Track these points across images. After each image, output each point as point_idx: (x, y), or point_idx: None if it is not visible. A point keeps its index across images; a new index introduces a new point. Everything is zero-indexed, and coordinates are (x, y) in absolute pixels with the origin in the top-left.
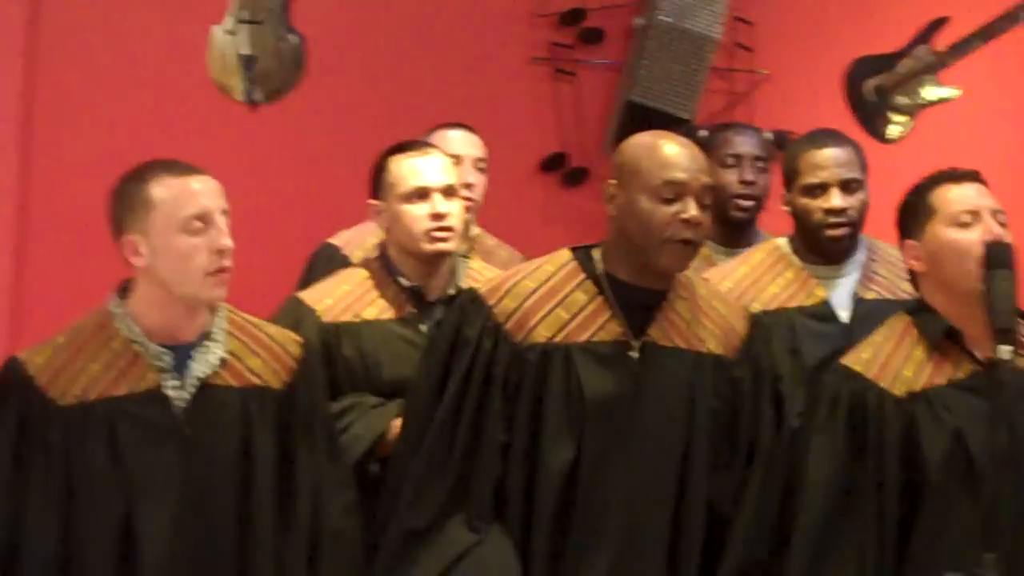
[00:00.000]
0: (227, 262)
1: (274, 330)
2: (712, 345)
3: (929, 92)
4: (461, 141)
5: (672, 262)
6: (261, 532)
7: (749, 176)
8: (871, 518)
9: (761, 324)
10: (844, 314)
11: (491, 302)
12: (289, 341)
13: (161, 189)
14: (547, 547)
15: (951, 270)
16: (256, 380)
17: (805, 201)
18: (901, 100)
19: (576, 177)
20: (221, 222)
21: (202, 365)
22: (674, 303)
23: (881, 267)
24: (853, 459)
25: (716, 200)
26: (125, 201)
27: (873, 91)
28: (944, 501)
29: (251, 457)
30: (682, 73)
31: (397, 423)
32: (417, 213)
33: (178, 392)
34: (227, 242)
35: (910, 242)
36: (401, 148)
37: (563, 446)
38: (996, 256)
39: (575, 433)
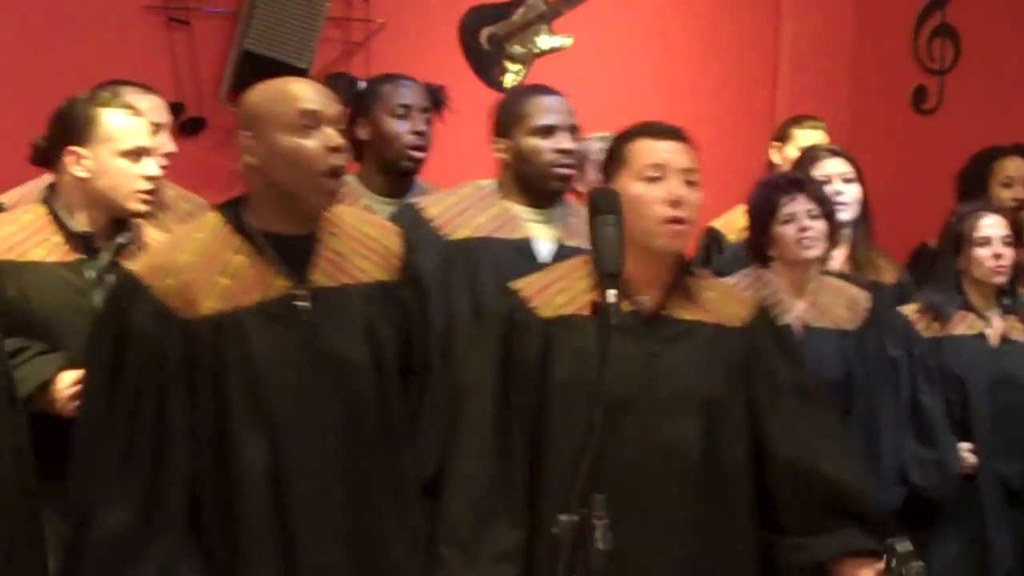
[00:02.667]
0: None
1: None
2: (376, 273)
3: (542, 41)
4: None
5: (325, 196)
6: None
7: (421, 127)
8: (517, 430)
9: (411, 240)
10: (548, 258)
11: (151, 283)
12: None
13: None
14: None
15: (631, 222)
16: None
17: (535, 142)
18: (515, 49)
19: (193, 127)
20: None
21: None
22: (328, 242)
23: (578, 220)
24: (503, 372)
25: (384, 151)
26: None
27: (488, 40)
28: (567, 432)
29: None
30: (298, 22)
31: (64, 375)
32: (131, 172)
33: None
34: None
35: None
36: (108, 101)
37: (253, 425)
38: (601, 202)
39: (262, 400)
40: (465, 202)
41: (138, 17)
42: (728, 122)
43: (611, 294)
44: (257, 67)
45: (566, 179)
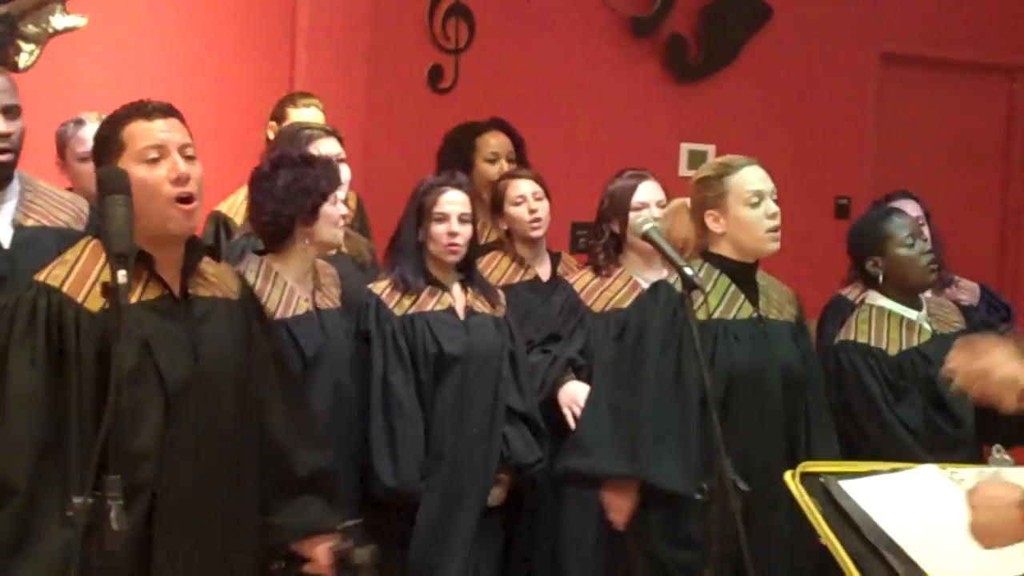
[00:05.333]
0: None
1: None
2: None
3: (57, 20)
4: None
5: None
6: None
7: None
8: (73, 428)
9: None
10: (5, 240)
11: None
12: None
13: None
14: None
15: (142, 207)
16: None
17: None
18: (29, 28)
19: None
20: None
21: None
22: None
23: (36, 197)
24: (53, 372)
25: None
26: None
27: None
28: (132, 419)
29: None
30: None
31: None
32: None
33: None
34: None
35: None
36: None
37: None
38: (109, 182)
39: None
40: None
41: None
42: (245, 102)
43: (122, 275)
44: None
45: (3, 164)
